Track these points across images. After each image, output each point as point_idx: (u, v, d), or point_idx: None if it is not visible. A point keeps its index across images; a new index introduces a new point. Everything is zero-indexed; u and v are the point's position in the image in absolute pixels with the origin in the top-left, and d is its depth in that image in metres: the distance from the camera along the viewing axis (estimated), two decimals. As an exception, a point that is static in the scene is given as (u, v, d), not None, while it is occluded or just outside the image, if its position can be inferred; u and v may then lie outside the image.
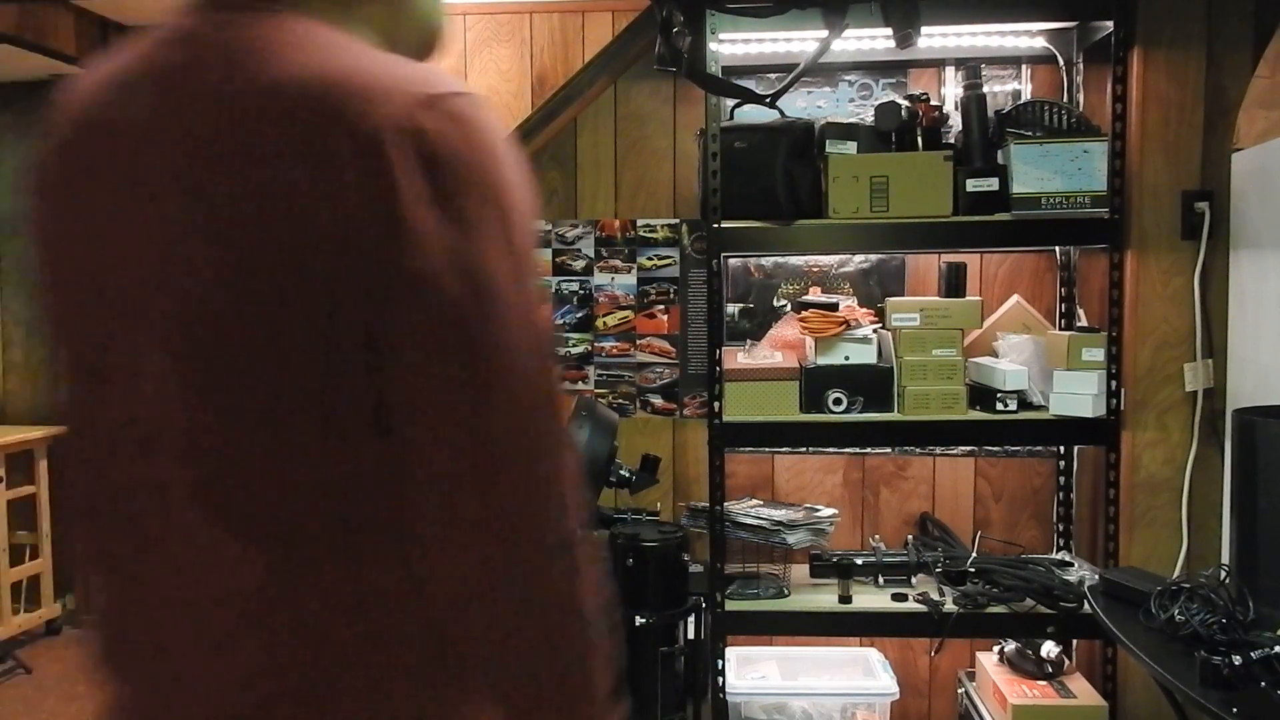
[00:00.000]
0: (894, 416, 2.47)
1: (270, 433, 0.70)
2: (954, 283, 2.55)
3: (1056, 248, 2.81)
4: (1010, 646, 2.59)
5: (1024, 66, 2.89)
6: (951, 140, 2.54)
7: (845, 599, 2.49)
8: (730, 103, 2.58)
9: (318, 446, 0.70)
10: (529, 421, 0.70)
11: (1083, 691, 2.46)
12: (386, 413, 0.69)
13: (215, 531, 0.71)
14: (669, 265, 2.96)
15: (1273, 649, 1.54)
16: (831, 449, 2.91)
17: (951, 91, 2.87)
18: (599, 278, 2.98)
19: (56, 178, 0.78)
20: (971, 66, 2.51)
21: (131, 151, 0.72)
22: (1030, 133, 2.47)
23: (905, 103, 2.49)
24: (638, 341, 2.97)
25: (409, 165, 0.66)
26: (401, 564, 0.72)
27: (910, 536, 2.82)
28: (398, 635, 0.73)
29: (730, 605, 2.50)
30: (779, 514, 2.65)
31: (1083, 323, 2.73)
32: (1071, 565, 2.60)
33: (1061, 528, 2.83)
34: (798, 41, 2.64)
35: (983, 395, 2.49)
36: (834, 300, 2.57)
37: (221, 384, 0.70)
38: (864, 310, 2.59)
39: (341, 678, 0.72)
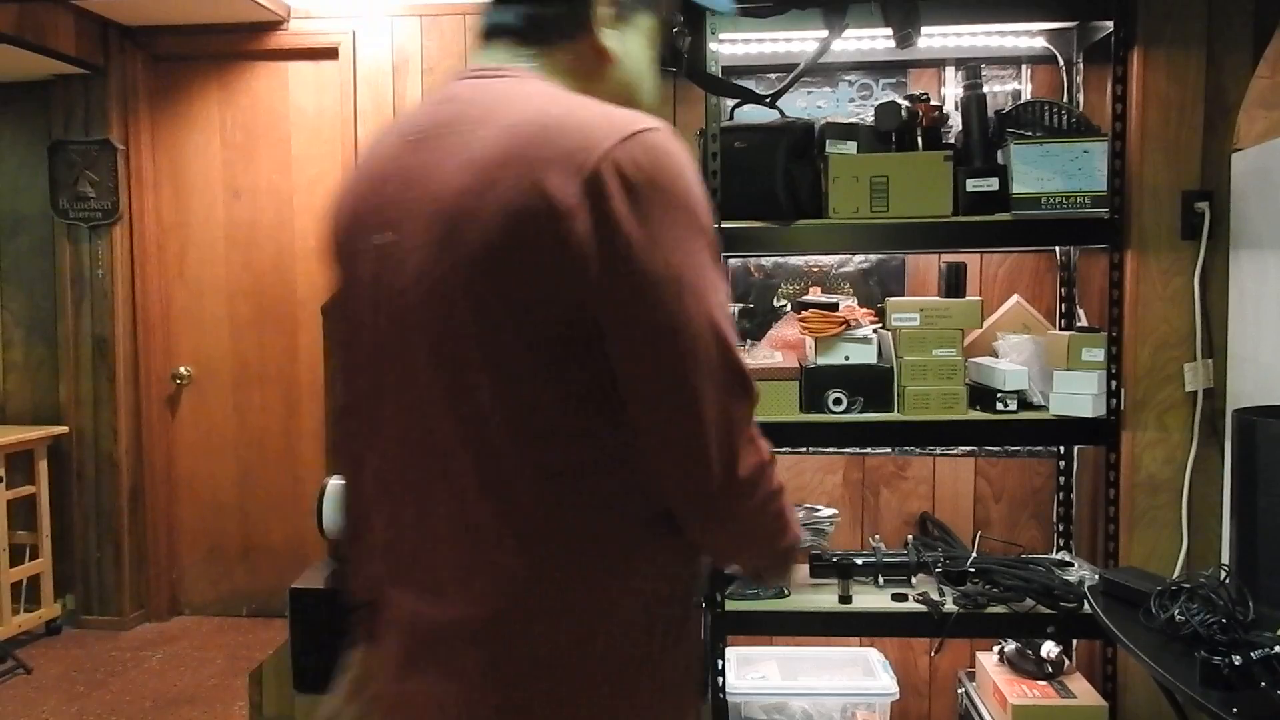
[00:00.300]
0: (894, 416, 2.47)
1: (514, 408, 0.89)
2: (954, 283, 2.55)
3: (1056, 248, 2.81)
4: (1010, 646, 2.59)
5: (1024, 66, 2.89)
6: (951, 140, 2.53)
7: (845, 599, 2.49)
8: (730, 103, 2.58)
9: (549, 417, 0.89)
10: (722, 386, 0.88)
11: (1083, 691, 2.46)
12: (612, 386, 0.89)
13: (470, 484, 0.92)
14: (669, 265, 2.95)
15: (1273, 649, 1.54)
16: (831, 449, 2.91)
17: (951, 91, 2.87)
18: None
19: (355, 211, 1.01)
20: (971, 66, 2.51)
21: (413, 189, 0.93)
22: (1030, 133, 2.47)
23: (905, 103, 2.49)
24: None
25: (617, 186, 0.85)
26: (609, 501, 0.93)
27: (910, 536, 2.82)
28: (592, 562, 0.93)
29: (730, 605, 2.50)
30: (779, 514, 2.65)
31: (1083, 323, 2.74)
32: (1071, 565, 2.60)
33: (1061, 528, 2.83)
34: (798, 41, 2.64)
35: (983, 395, 2.49)
36: (834, 300, 2.57)
37: (471, 372, 0.90)
38: (864, 310, 2.59)
39: (558, 598, 0.92)
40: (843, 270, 2.93)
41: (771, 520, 0.99)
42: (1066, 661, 2.57)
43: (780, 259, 2.93)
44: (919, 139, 2.48)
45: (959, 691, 2.82)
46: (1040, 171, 2.37)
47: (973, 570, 2.51)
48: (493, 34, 1.03)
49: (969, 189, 2.40)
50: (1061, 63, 2.78)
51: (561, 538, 0.92)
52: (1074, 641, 2.68)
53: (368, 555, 1.06)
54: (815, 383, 2.47)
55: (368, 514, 1.05)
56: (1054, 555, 2.72)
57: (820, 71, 2.88)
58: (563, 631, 0.93)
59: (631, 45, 1.05)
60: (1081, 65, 2.75)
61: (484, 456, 0.91)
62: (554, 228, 0.84)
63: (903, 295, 2.88)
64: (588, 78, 1.02)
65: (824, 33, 2.31)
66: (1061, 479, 2.84)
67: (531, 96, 0.94)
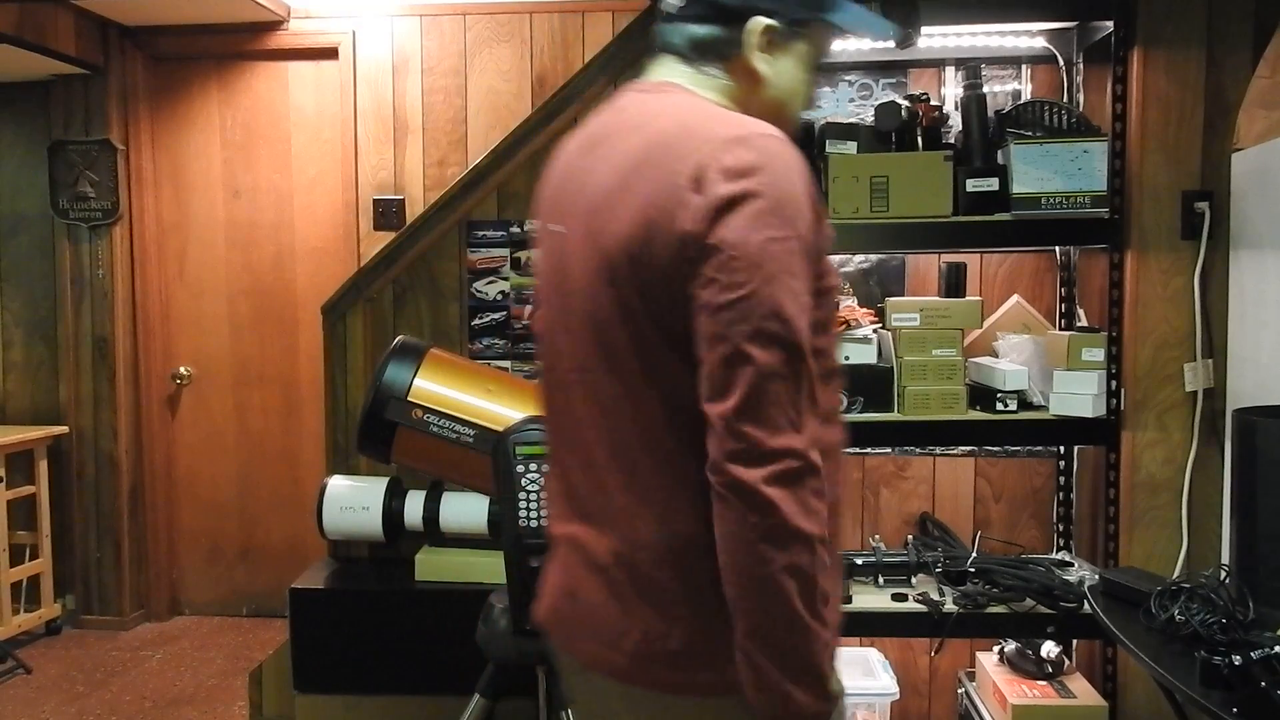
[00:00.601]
0: (894, 416, 2.46)
1: (653, 381, 1.05)
2: (954, 283, 2.55)
3: (1056, 248, 2.81)
4: (1010, 646, 2.59)
5: (1024, 66, 2.89)
6: (951, 140, 2.53)
7: (845, 599, 2.48)
8: (730, 103, 2.57)
9: (677, 387, 1.03)
10: (769, 363, 0.97)
11: (1083, 691, 2.46)
12: (689, 341, 1.01)
13: (625, 437, 1.08)
14: (669, 265, 2.95)
15: (1273, 649, 1.54)
16: (831, 449, 2.90)
17: (951, 91, 2.87)
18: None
19: (548, 200, 1.22)
20: (971, 66, 2.51)
21: (577, 188, 1.13)
22: (1030, 133, 2.47)
23: (905, 103, 2.48)
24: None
25: (718, 178, 0.99)
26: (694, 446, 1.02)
27: (910, 536, 2.82)
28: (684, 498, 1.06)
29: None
30: (779, 514, 2.65)
31: (1083, 323, 2.73)
32: (1071, 565, 2.60)
33: (1061, 528, 2.83)
34: (798, 41, 2.64)
35: (983, 395, 2.49)
36: (834, 300, 2.57)
37: (619, 351, 1.06)
38: (864, 310, 2.59)
39: (675, 519, 1.06)
40: (843, 270, 2.93)
41: (786, 558, 0.95)
42: (1066, 661, 2.56)
43: (780, 259, 2.92)
44: (919, 139, 2.48)
45: (959, 691, 2.82)
46: (1040, 171, 2.36)
47: (973, 570, 2.51)
48: (662, 50, 1.19)
49: (969, 189, 2.40)
50: (1061, 63, 2.78)
51: (692, 494, 1.03)
52: (1074, 641, 2.68)
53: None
54: (815, 383, 2.47)
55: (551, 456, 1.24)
56: (1054, 555, 2.72)
57: (820, 71, 2.88)
58: (691, 564, 1.04)
59: (783, 68, 1.18)
60: (1081, 65, 2.75)
61: (636, 415, 1.07)
62: (667, 217, 1.00)
63: (903, 295, 2.87)
64: (740, 95, 1.16)
65: (824, 33, 2.30)
66: (1061, 479, 2.84)
67: (673, 110, 1.10)
